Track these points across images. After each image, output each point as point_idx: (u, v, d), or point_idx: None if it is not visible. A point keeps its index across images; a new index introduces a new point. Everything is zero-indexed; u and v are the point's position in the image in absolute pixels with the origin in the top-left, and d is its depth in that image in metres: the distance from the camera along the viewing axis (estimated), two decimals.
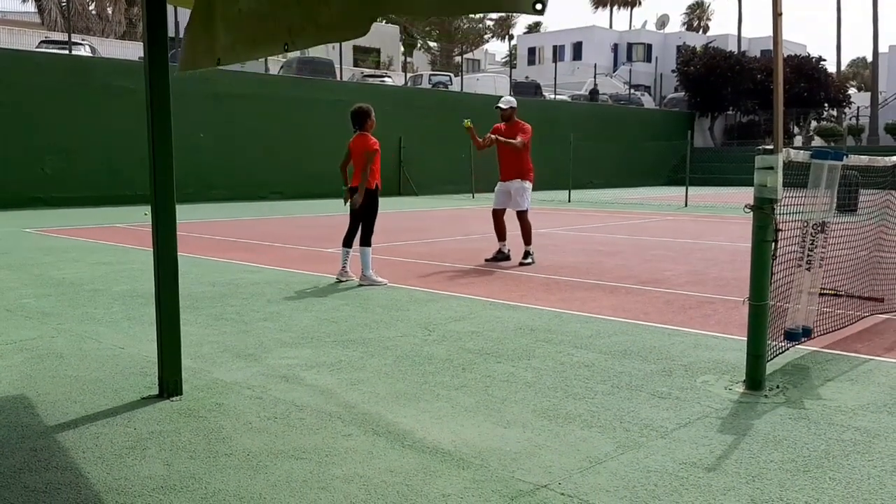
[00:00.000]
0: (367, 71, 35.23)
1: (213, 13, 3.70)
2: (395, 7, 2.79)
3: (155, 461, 3.21)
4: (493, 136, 9.27)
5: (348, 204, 7.82)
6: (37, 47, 23.69)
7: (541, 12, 2.04)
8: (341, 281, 7.77)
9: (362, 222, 7.76)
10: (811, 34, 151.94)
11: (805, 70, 40.22)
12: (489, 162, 9.84)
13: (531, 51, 56.67)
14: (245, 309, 6.41)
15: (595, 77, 38.74)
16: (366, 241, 7.70)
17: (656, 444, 3.44)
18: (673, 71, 44.58)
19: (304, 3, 2.98)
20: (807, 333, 4.87)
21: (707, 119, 42.64)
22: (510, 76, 35.79)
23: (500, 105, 9.43)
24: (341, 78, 27.54)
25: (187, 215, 15.29)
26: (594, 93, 39.70)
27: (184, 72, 4.05)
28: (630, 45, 54.54)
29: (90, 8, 41.89)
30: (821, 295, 5.13)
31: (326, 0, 2.83)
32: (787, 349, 4.75)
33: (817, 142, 39.73)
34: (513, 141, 9.08)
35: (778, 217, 4.16)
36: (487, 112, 12.45)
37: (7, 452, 3.29)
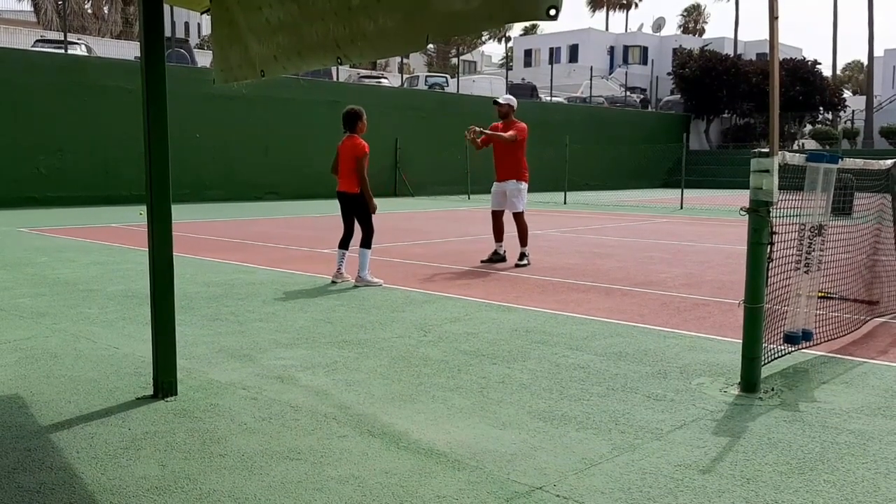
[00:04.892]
0: (364, 72, 35.22)
1: (237, 24, 3.68)
2: (448, 29, 2.73)
3: (149, 462, 3.20)
4: (484, 131, 9.18)
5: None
6: (32, 46, 23.65)
7: (555, 18, 2.11)
8: (337, 282, 7.77)
9: (362, 225, 7.79)
10: (807, 38, 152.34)
11: (801, 73, 40.37)
12: (485, 163, 9.87)
13: (527, 53, 56.79)
14: (240, 309, 6.40)
15: (591, 79, 38.80)
16: (366, 244, 7.72)
17: (651, 445, 3.44)
18: (669, 74, 44.67)
19: (345, 16, 2.93)
20: (807, 337, 4.84)
21: (703, 122, 42.74)
22: (506, 78, 35.84)
23: (499, 100, 9.54)
24: (338, 79, 27.52)
25: (183, 215, 15.25)
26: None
27: (222, 84, 4.03)
28: (626, 48, 54.67)
29: (86, 7, 41.84)
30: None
31: (371, 15, 2.79)
32: (787, 353, 4.73)
33: (810, 144, 39.80)
34: (504, 135, 9.10)
35: (773, 220, 4.17)
36: (483, 114, 12.47)
37: (1, 452, 3.28)
